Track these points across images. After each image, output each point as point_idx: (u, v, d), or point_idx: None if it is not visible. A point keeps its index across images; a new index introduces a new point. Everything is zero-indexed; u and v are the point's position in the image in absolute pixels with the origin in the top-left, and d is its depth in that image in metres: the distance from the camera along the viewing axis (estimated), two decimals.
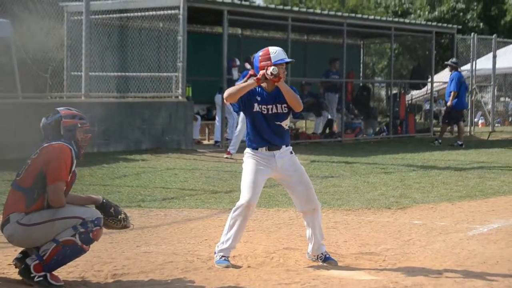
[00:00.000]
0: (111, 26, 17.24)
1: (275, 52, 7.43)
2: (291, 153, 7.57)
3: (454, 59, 22.67)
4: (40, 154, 6.64)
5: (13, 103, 15.17)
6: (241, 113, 15.33)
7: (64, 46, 16.77)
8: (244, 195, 7.42)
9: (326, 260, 7.64)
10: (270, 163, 7.51)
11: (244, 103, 7.49)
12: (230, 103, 7.69)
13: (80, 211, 6.64)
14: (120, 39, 17.25)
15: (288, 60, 7.48)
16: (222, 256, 7.49)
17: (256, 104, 7.47)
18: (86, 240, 6.55)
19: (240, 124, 16.75)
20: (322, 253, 7.67)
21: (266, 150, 7.50)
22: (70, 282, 6.75)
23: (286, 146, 7.57)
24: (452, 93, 21.70)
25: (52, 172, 6.52)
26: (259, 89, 7.49)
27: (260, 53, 7.51)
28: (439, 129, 24.26)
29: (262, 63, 7.42)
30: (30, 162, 6.64)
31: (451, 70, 22.12)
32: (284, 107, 7.49)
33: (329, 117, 23.00)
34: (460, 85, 21.75)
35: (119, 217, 6.97)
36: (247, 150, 7.58)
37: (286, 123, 7.57)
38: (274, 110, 7.48)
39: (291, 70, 19.59)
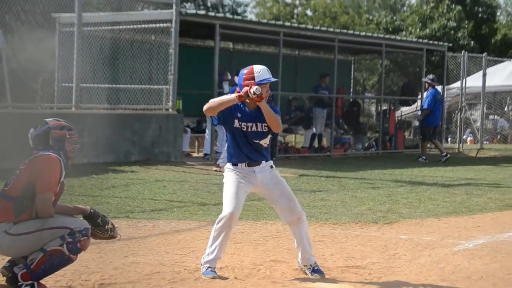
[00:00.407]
0: (102, 38, 17.27)
1: (259, 71, 7.48)
2: (271, 167, 7.64)
3: (431, 76, 22.79)
4: (29, 165, 6.65)
5: (2, 113, 15.19)
6: None
7: (55, 57, 16.79)
8: (227, 207, 7.48)
9: (315, 272, 7.66)
10: (250, 179, 7.57)
11: (225, 117, 7.53)
12: (210, 116, 7.75)
13: (68, 221, 6.64)
14: (112, 51, 17.28)
15: (272, 79, 7.51)
16: (209, 268, 7.51)
17: (236, 120, 7.52)
18: (73, 250, 6.56)
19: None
20: (311, 265, 7.70)
21: (245, 165, 7.56)
22: None
23: (266, 161, 7.62)
24: (424, 111, 21.99)
25: (41, 183, 6.54)
26: (242, 105, 7.53)
27: (245, 71, 7.55)
28: (429, 145, 24.39)
29: (246, 81, 7.47)
30: (19, 173, 6.65)
31: (427, 88, 22.34)
32: (264, 126, 7.53)
33: (314, 131, 23.08)
34: (435, 102, 21.95)
35: (106, 227, 6.97)
36: (228, 165, 7.63)
37: (265, 142, 7.61)
38: (254, 129, 7.53)
39: (282, 84, 19.67)
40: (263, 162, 7.59)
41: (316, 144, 23.08)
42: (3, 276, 6.77)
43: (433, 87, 22.21)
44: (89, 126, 15.90)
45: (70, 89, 16.82)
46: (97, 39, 17.14)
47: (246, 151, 7.54)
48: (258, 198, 12.70)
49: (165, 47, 17.85)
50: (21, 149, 6.81)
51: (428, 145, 23.49)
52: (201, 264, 7.59)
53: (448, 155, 21.65)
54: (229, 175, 7.59)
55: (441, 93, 22.60)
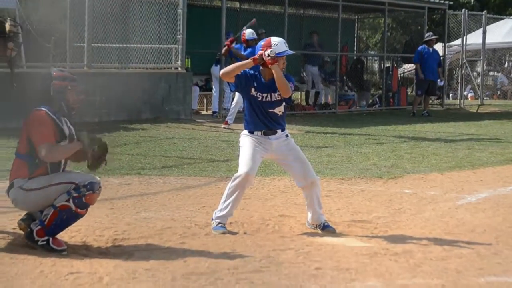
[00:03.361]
0: None
1: (276, 44, 7.64)
2: (287, 136, 7.82)
3: (427, 34, 23.22)
4: (25, 121, 6.73)
5: (19, 73, 15.39)
6: None
7: (67, 18, 16.93)
8: (243, 167, 7.62)
9: (325, 229, 7.80)
10: (266, 146, 7.73)
11: (242, 85, 7.71)
12: (228, 82, 7.95)
13: (73, 176, 6.69)
14: (122, 12, 17.44)
15: (289, 52, 7.68)
16: (219, 223, 7.68)
17: (253, 89, 7.69)
18: (80, 205, 6.61)
19: (236, 97, 17.05)
20: (321, 223, 7.85)
21: (261, 134, 7.73)
22: (73, 246, 6.87)
23: (282, 130, 7.79)
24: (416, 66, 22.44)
25: (35, 139, 6.61)
26: (258, 75, 7.72)
27: (263, 42, 7.71)
28: (431, 101, 24.66)
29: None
30: (23, 127, 6.75)
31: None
32: (278, 95, 7.67)
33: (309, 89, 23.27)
34: (422, 57, 22.28)
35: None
36: (244, 131, 7.79)
37: (280, 110, 7.75)
38: (269, 99, 7.68)
39: (287, 43, 19.84)
40: (279, 131, 7.77)
41: (312, 101, 23.21)
42: (20, 228, 6.94)
43: (425, 43, 22.59)
44: (100, 85, 15.95)
45: (82, 49, 16.88)
46: None
47: (262, 119, 7.70)
48: None
49: (174, 7, 17.96)
50: (35, 108, 6.79)
51: (430, 101, 23.80)
52: (212, 219, 7.74)
53: (427, 114, 22.15)
54: (246, 139, 7.74)
55: (430, 49, 22.74)
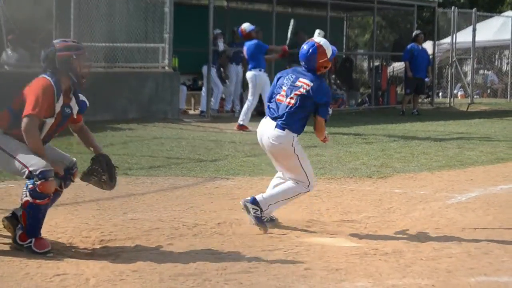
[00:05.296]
0: None
1: (328, 47, 7.86)
2: None
3: (415, 32, 23.27)
4: (28, 86, 6.68)
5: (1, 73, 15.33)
6: (252, 88, 15.67)
7: (53, 17, 16.85)
8: (313, 182, 7.88)
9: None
10: None
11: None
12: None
13: (32, 161, 6.53)
14: (108, 10, 17.37)
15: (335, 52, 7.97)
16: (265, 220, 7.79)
17: None
18: (36, 196, 6.51)
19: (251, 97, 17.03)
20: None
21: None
22: (59, 247, 6.85)
23: None
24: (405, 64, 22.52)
25: (28, 104, 6.52)
26: None
27: (316, 50, 7.79)
28: (421, 100, 24.67)
29: (321, 60, 7.80)
30: (25, 89, 6.67)
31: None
32: None
33: None
34: (411, 55, 22.31)
35: (102, 177, 6.96)
36: (296, 137, 7.82)
37: None
38: None
39: (275, 42, 19.82)
40: None
41: None
42: (3, 226, 6.91)
43: (413, 41, 22.62)
44: (87, 84, 15.95)
45: None
46: None
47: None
48: (254, 154, 12.95)
49: (161, 5, 17.95)
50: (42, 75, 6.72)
51: (420, 100, 23.81)
52: (257, 209, 7.75)
53: (417, 113, 22.16)
54: (300, 146, 7.88)
55: (419, 47, 22.77)
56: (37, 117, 6.54)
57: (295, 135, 7.79)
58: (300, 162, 7.79)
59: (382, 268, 6.48)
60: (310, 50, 7.79)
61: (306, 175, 7.81)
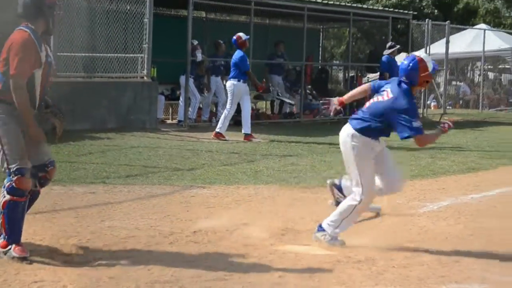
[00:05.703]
0: (79, 7, 17.34)
1: (429, 61, 7.72)
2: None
3: (389, 43, 23.42)
4: (9, 40, 6.50)
5: None
6: (230, 97, 15.76)
7: None
8: (370, 191, 7.66)
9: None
10: (375, 148, 8.07)
11: None
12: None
13: (14, 155, 6.48)
14: (88, 21, 17.42)
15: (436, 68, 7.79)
16: (335, 238, 7.63)
17: None
18: (13, 192, 6.50)
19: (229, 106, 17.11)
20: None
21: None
22: (37, 254, 6.80)
23: None
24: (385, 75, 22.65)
25: (12, 65, 6.38)
26: None
27: (417, 65, 7.66)
28: None
29: (423, 75, 7.67)
30: (5, 46, 6.48)
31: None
32: None
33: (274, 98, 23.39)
34: (389, 66, 22.51)
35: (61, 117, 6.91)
36: (362, 137, 7.86)
37: None
38: None
39: (253, 53, 19.95)
40: None
41: (277, 110, 23.32)
42: None
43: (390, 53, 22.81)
44: (66, 94, 15.87)
45: None
46: (74, 8, 17.25)
47: None
48: (230, 163, 13.03)
49: (140, 16, 17.98)
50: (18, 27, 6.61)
51: None
52: (323, 231, 7.64)
53: None
54: (365, 151, 7.83)
55: (390, 59, 22.98)
56: (24, 76, 6.42)
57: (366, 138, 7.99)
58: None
59: (355, 275, 6.55)
60: (411, 65, 7.63)
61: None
